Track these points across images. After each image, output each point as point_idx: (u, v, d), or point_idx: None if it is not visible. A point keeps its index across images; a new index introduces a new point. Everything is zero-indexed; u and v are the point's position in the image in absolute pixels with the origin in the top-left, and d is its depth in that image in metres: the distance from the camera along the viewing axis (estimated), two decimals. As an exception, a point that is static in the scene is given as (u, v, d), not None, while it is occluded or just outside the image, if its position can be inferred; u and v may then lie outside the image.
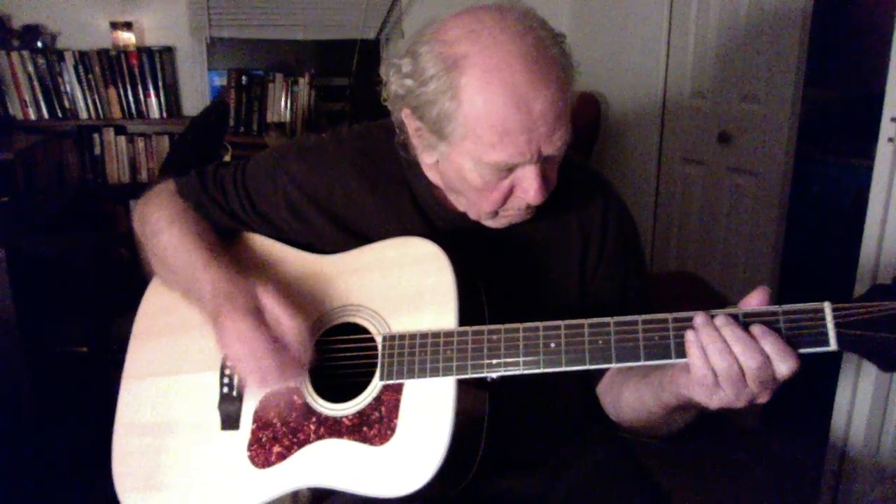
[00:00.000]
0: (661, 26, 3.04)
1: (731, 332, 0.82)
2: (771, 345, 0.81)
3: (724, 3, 2.71)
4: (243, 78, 3.53)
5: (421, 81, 0.93)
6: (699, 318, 0.85)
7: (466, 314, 0.97)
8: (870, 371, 1.92)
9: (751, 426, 2.64)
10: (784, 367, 0.81)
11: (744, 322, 0.84)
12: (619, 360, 0.88)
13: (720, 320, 0.84)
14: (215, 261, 1.05)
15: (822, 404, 2.08)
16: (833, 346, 0.81)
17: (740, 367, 0.82)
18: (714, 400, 0.85)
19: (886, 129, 1.82)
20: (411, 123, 0.99)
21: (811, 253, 2.88)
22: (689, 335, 0.84)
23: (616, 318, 0.89)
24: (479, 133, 0.90)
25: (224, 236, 1.16)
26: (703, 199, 2.93)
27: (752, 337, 0.82)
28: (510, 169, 0.94)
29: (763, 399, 0.84)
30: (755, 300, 0.85)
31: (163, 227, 1.12)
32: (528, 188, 0.94)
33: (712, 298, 2.74)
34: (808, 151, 2.84)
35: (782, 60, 2.44)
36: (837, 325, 0.81)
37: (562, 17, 3.76)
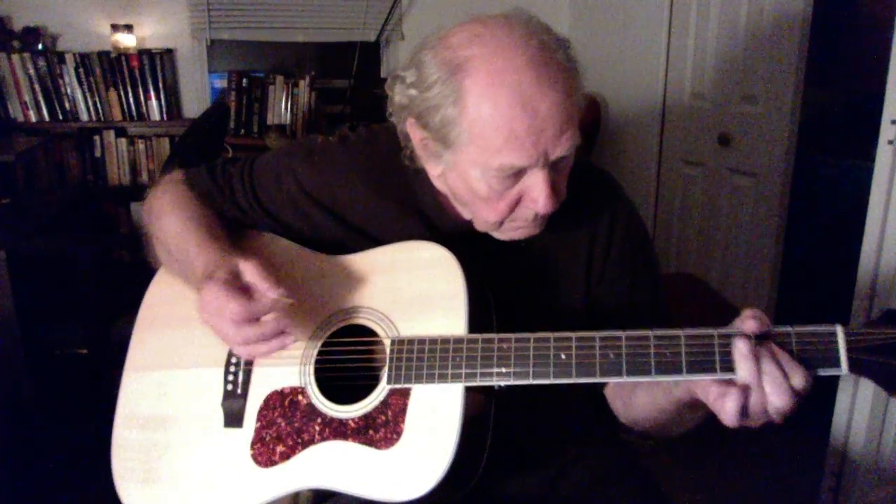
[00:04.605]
0: (661, 27, 3.04)
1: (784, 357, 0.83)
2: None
3: (724, 4, 2.71)
4: (244, 80, 3.54)
5: (424, 88, 0.92)
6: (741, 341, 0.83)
7: (475, 320, 0.96)
8: (870, 372, 1.92)
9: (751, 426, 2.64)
10: (778, 404, 0.84)
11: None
12: (629, 375, 0.87)
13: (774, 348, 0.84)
14: (209, 242, 1.04)
15: (823, 405, 2.08)
16: (844, 370, 0.82)
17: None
18: (726, 407, 0.86)
19: (886, 131, 1.82)
20: (416, 134, 0.98)
21: (811, 254, 2.88)
22: (741, 345, 0.83)
23: (628, 332, 0.88)
24: (484, 136, 0.89)
25: (232, 228, 1.15)
26: (704, 201, 2.93)
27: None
28: (517, 175, 0.92)
29: (754, 424, 0.88)
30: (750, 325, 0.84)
31: (165, 212, 1.12)
32: (538, 196, 0.92)
33: (712, 300, 2.74)
34: (808, 152, 2.84)
35: (782, 61, 2.44)
36: (849, 350, 0.82)
37: (562, 17, 3.76)
